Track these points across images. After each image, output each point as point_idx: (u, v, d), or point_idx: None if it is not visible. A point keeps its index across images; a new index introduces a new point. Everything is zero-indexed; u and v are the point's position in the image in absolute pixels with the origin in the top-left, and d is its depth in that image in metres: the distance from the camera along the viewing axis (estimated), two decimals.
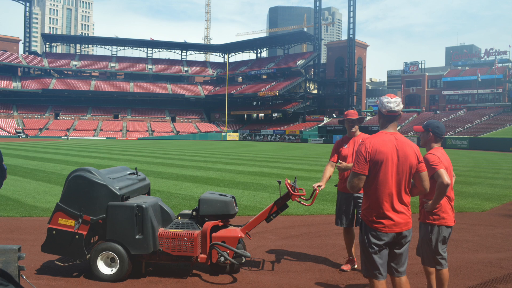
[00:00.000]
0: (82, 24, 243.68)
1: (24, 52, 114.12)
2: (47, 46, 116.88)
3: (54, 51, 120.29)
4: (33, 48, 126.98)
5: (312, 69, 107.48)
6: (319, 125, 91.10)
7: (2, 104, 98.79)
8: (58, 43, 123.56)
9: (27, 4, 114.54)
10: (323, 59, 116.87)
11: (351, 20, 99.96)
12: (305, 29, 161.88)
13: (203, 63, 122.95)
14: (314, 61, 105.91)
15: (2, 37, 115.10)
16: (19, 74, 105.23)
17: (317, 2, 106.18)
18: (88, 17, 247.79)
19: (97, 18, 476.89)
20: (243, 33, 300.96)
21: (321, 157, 30.57)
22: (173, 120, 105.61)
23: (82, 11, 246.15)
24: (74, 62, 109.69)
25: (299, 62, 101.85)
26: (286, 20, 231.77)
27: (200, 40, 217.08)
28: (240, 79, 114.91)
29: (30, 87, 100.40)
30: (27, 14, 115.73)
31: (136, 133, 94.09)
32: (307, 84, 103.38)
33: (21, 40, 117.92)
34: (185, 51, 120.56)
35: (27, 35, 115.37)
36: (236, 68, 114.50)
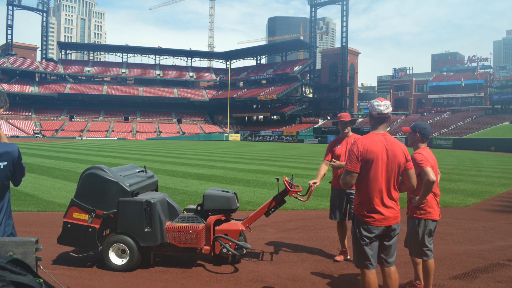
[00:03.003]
0: (95, 33, 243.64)
1: (41, 59, 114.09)
2: (63, 53, 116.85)
3: (69, 58, 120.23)
4: (49, 55, 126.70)
5: (308, 75, 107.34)
6: (314, 127, 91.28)
7: (21, 107, 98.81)
8: (72, 51, 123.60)
9: (44, 14, 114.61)
10: (318, 65, 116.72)
11: (344, 29, 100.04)
12: (302, 38, 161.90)
13: (207, 69, 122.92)
14: (309, 67, 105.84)
15: (21, 45, 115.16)
16: (37, 79, 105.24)
17: (313, 13, 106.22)
18: (101, 26, 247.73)
19: (109, 27, 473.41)
20: (244, 41, 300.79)
21: (316, 156, 30.55)
22: (179, 122, 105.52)
23: (95, 21, 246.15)
24: (88, 68, 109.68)
25: (296, 68, 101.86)
26: (284, 29, 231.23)
27: (204, 48, 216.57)
28: (241, 83, 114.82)
29: (47, 91, 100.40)
30: (44, 23, 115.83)
31: (145, 134, 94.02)
32: (303, 89, 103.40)
33: (38, 47, 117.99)
34: (190, 58, 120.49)
35: (44, 43, 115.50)
36: (238, 74, 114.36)
